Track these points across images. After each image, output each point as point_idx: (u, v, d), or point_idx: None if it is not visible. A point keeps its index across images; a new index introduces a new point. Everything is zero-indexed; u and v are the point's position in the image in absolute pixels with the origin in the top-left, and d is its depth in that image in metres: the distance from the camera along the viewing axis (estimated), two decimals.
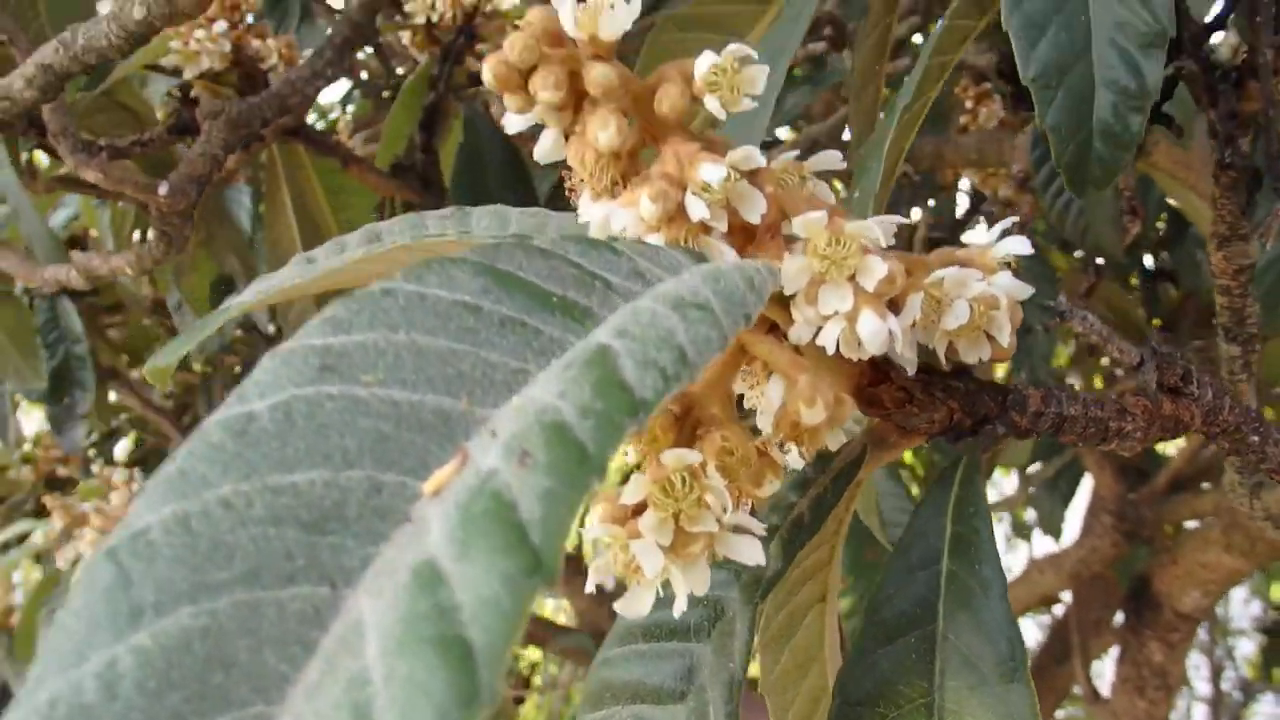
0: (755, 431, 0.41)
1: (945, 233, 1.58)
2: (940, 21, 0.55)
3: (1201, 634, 3.68)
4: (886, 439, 0.44)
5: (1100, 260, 1.39)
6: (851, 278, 0.38)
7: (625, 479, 0.38)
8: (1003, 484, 3.39)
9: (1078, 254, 1.66)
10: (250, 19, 1.25)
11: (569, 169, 0.45)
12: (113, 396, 2.71)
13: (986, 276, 0.42)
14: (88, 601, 0.24)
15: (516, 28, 1.19)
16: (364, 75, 1.94)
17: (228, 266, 1.47)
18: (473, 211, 0.55)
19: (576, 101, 0.43)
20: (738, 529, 0.37)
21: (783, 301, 0.40)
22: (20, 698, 0.22)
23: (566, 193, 0.47)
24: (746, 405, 0.44)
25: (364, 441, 0.28)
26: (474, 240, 0.50)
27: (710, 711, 0.42)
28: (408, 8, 1.28)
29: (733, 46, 0.42)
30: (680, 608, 0.37)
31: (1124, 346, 0.42)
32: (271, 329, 2.13)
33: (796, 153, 0.43)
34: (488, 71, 0.43)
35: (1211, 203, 0.59)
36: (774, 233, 0.41)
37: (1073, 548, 2.26)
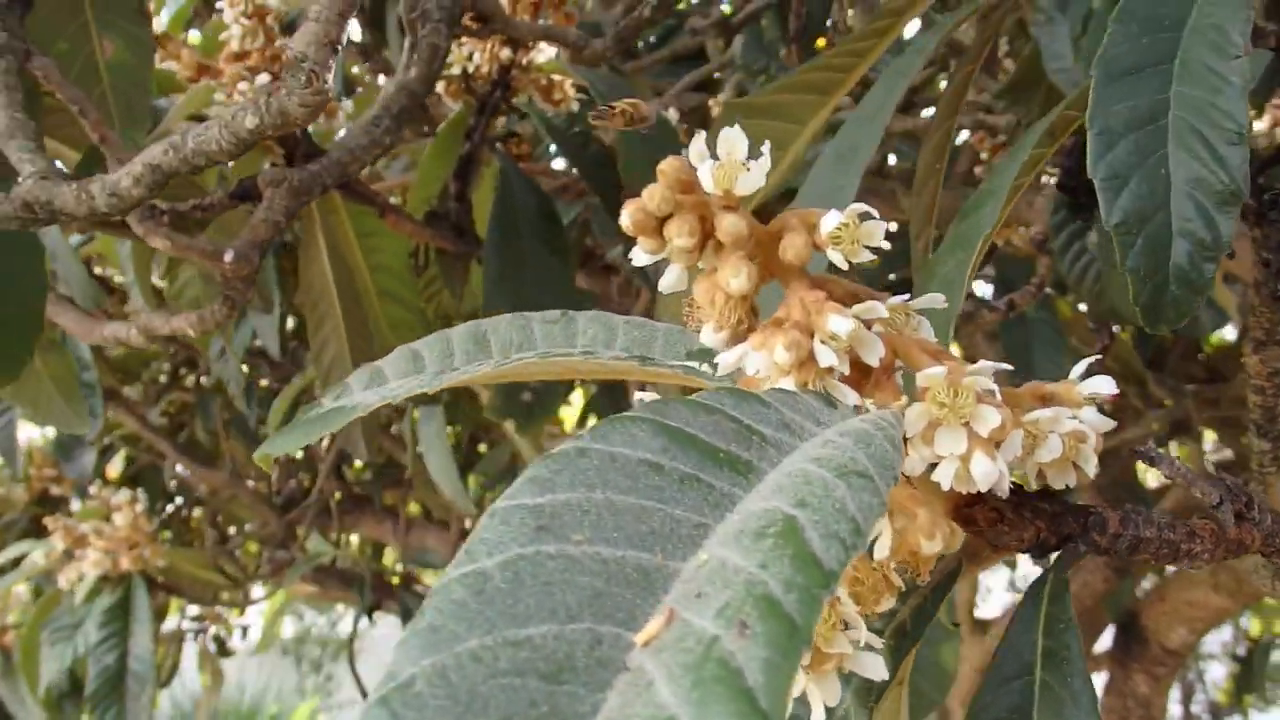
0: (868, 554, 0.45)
1: None
2: (1017, 148, 0.60)
3: None
4: (979, 553, 0.48)
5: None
6: (965, 423, 0.43)
7: None
8: None
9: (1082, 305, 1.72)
10: None
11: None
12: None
13: (1075, 411, 0.47)
14: None
15: (551, 82, 1.24)
16: None
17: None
18: (578, 319, 0.59)
19: (703, 241, 0.48)
20: (866, 647, 0.42)
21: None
22: None
23: (685, 320, 0.51)
24: None
25: (582, 597, 0.33)
26: (601, 364, 0.54)
27: None
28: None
29: (855, 206, 0.46)
30: (819, 717, 0.41)
31: (1205, 488, 0.47)
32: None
33: (906, 296, 0.48)
34: (626, 217, 0.47)
35: (1251, 310, 0.64)
36: (888, 373, 0.46)
37: None
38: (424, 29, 0.99)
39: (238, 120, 0.65)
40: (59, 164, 0.74)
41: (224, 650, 3.44)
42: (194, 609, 3.26)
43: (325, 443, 3.04)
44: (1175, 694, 4.14)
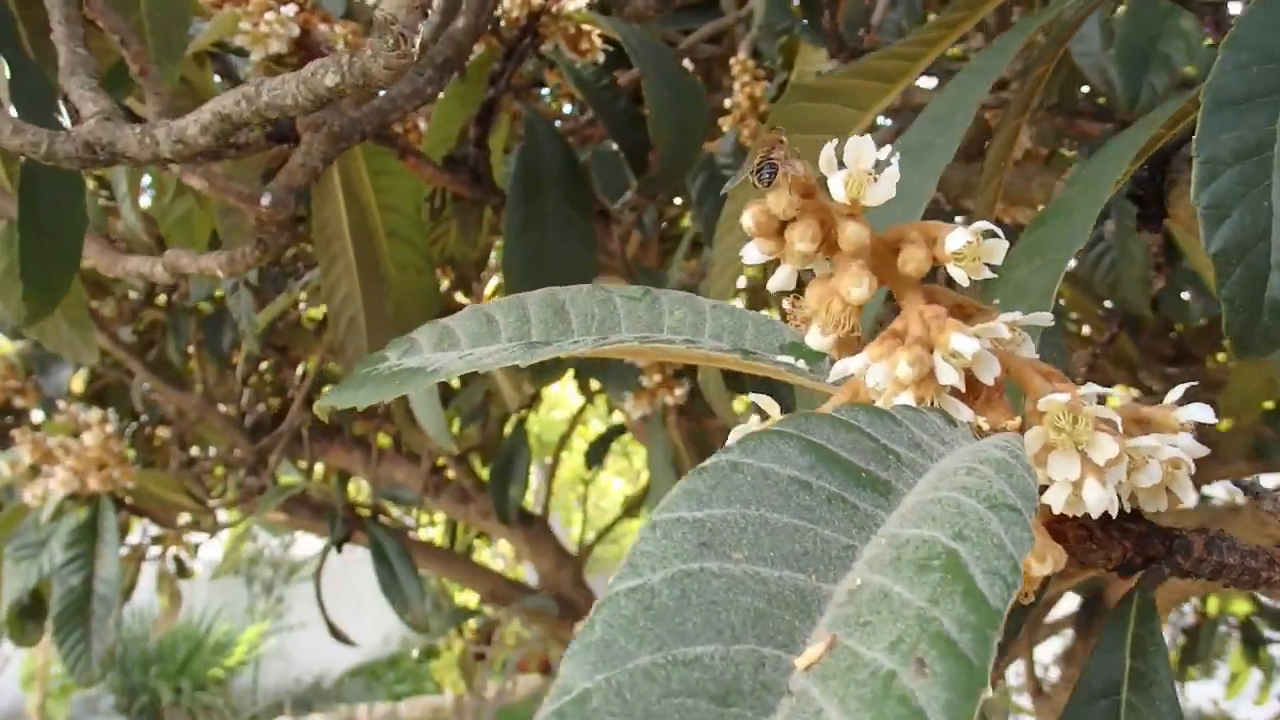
0: None
1: None
2: (1105, 162, 0.60)
3: None
4: (1068, 570, 0.49)
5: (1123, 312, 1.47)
6: (1080, 448, 0.44)
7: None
8: None
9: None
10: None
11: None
12: None
13: (1173, 438, 0.48)
14: None
15: (579, 31, 1.22)
16: None
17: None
18: (662, 299, 0.59)
19: (822, 247, 0.48)
20: None
21: None
22: None
23: (784, 314, 0.51)
24: None
25: (746, 618, 0.33)
26: (703, 353, 0.54)
27: None
28: None
29: (979, 224, 0.46)
30: None
31: None
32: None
33: (1017, 314, 0.48)
34: (749, 219, 0.47)
35: None
36: (1000, 390, 0.47)
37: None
38: None
39: (317, 77, 0.64)
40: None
41: (184, 572, 3.42)
42: (155, 529, 3.25)
43: (300, 370, 3.02)
44: None
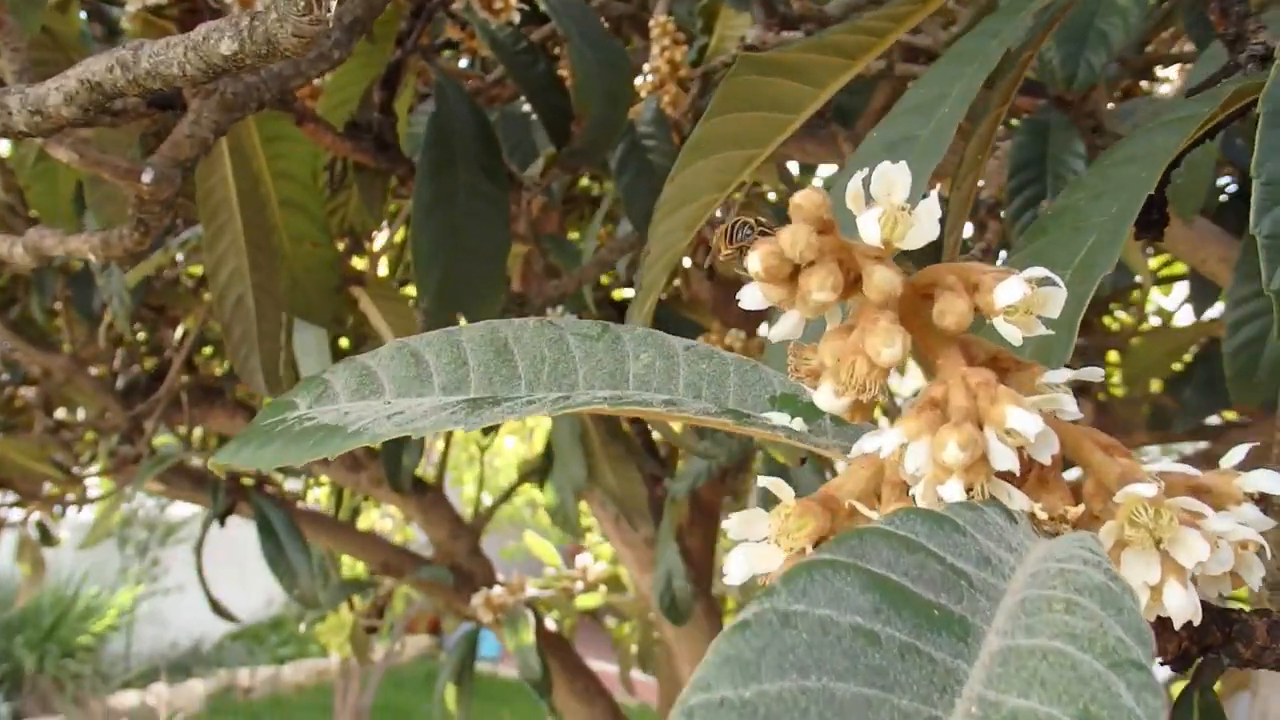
0: None
1: None
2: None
3: None
4: None
5: None
6: (1159, 543, 0.37)
7: None
8: None
9: None
10: None
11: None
12: None
13: (1233, 508, 0.41)
14: None
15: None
16: None
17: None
18: (624, 337, 0.50)
19: (843, 294, 0.40)
20: None
21: None
22: None
23: (790, 370, 0.43)
24: None
25: None
26: (688, 416, 0.45)
27: None
28: None
29: (1034, 271, 0.39)
30: None
31: None
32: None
33: (1066, 372, 0.41)
34: (756, 262, 0.39)
35: None
36: (1056, 468, 0.39)
37: None
38: None
39: (210, 43, 0.53)
40: None
41: (48, 539, 3.23)
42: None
43: (178, 333, 2.84)
44: None
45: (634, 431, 2.12)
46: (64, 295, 2.67)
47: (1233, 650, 0.43)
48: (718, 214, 0.82)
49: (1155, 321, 2.81)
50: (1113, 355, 2.54)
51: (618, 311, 2.02)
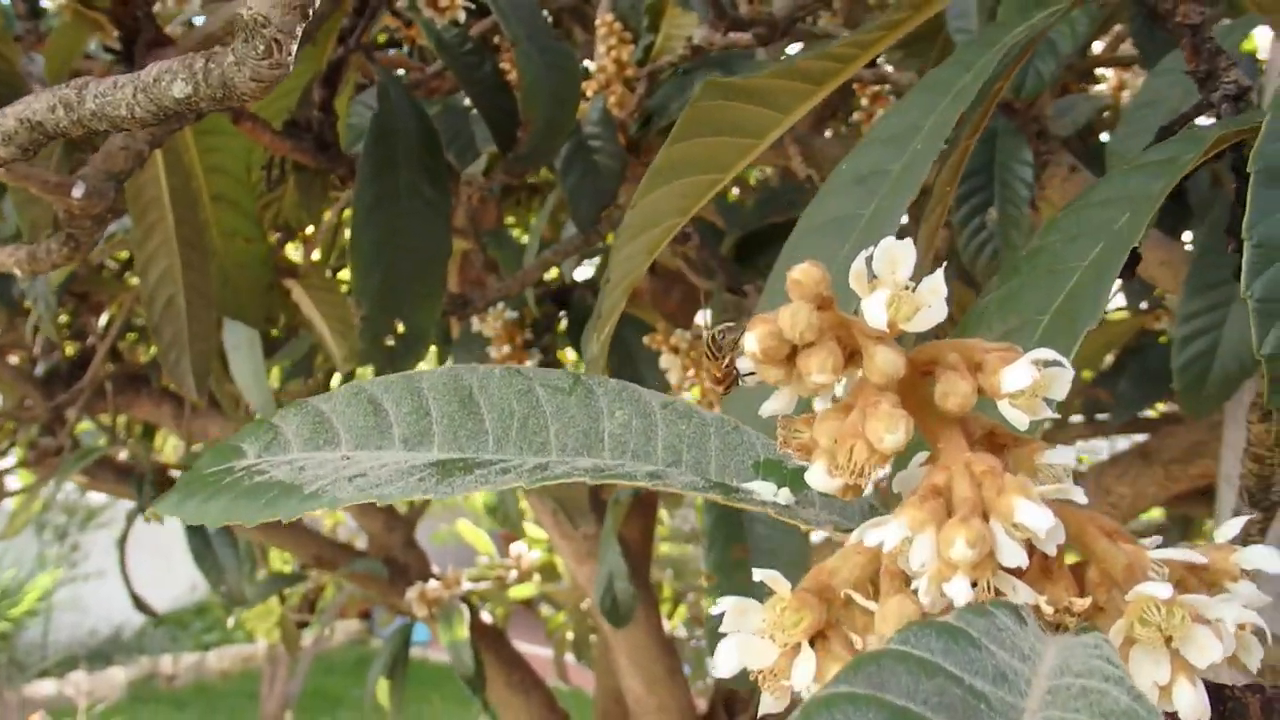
0: None
1: None
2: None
3: None
4: None
5: None
6: (1169, 640, 0.35)
7: None
8: None
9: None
10: None
11: None
12: None
13: (1230, 585, 0.40)
14: None
15: None
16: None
17: None
18: (597, 391, 0.48)
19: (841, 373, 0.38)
20: None
21: None
22: None
23: (779, 443, 0.41)
24: None
25: None
26: (670, 489, 0.43)
27: None
28: None
29: (1040, 352, 0.37)
30: None
31: None
32: None
33: (1068, 450, 0.39)
34: (754, 343, 0.36)
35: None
36: (1060, 557, 0.38)
37: None
38: None
39: (161, 85, 0.49)
40: None
41: None
42: None
43: (103, 320, 2.75)
44: None
45: None
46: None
47: None
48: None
49: None
50: None
51: (558, 303, 1.99)
